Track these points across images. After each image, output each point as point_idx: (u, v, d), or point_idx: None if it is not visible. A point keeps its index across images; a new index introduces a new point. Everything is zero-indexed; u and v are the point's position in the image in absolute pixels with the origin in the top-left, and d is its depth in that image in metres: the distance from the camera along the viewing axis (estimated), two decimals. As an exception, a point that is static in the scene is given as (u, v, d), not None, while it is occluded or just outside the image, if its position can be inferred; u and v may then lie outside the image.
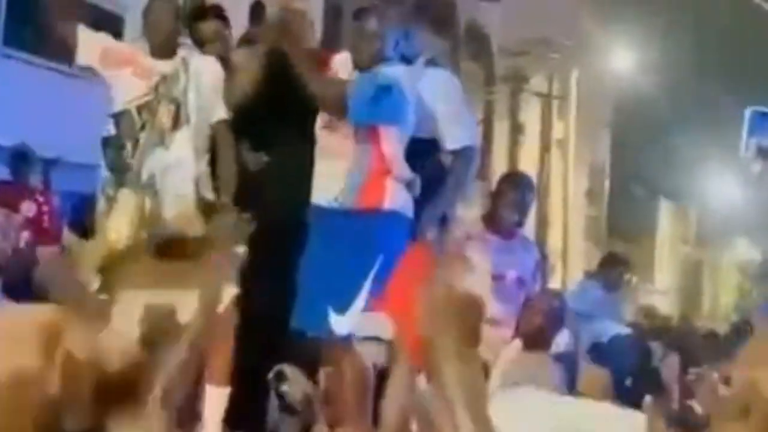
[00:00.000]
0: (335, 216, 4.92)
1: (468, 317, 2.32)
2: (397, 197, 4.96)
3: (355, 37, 5.12)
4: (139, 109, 5.15)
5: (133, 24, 11.18)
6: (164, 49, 5.22)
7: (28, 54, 10.15)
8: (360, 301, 4.83)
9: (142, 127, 5.14)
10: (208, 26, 5.53)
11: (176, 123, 5.09)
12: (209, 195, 5.08)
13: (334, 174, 4.95)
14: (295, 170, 5.16)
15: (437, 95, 5.20)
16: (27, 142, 8.62)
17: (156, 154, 5.08)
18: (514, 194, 6.03)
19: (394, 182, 4.94)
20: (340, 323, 4.81)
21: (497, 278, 5.77)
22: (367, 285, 4.86)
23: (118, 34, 10.93)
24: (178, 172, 5.03)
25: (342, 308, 4.82)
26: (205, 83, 5.14)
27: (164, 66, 5.17)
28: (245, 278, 4.98)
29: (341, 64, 5.20)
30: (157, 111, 5.10)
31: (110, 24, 11.00)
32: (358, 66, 5.05)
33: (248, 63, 5.50)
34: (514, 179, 6.58)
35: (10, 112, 9.28)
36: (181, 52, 5.22)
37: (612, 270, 9.19)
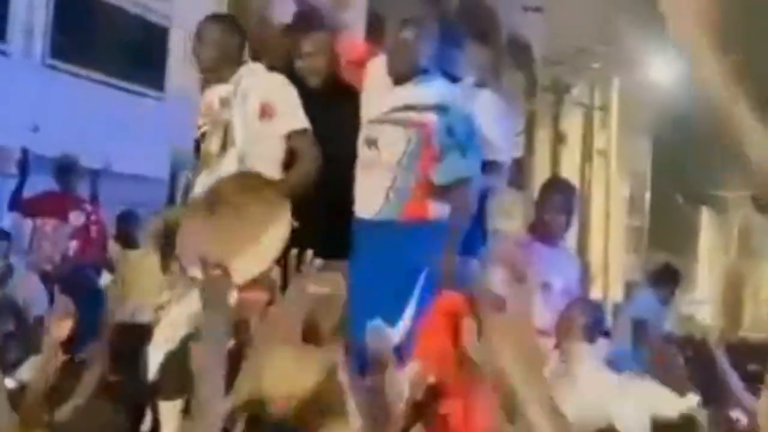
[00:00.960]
0: (379, 228, 4.93)
1: (531, 341, 2.32)
2: (440, 207, 4.97)
3: (392, 45, 5.11)
4: (201, 139, 5.14)
5: (179, 36, 11.28)
6: (222, 73, 5.16)
7: (74, 66, 10.22)
8: (409, 312, 4.84)
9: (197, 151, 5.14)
10: (310, 38, 5.41)
11: (224, 146, 5.05)
12: None
13: (375, 187, 4.94)
14: (337, 182, 5.15)
15: (488, 118, 5.22)
16: (73, 153, 8.69)
17: (202, 179, 5.07)
18: (559, 197, 6.03)
19: (437, 198, 4.95)
20: (390, 335, 4.82)
21: (544, 287, 5.77)
22: (415, 296, 4.87)
23: (163, 47, 11.05)
24: None
25: (391, 320, 4.83)
26: (251, 102, 5.05)
27: (223, 90, 5.14)
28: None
29: (376, 68, 5.17)
30: (211, 138, 5.07)
31: (156, 36, 11.08)
32: (394, 74, 5.04)
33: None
34: (556, 183, 6.59)
35: (57, 124, 9.35)
36: (241, 72, 5.15)
37: (667, 281, 9.15)
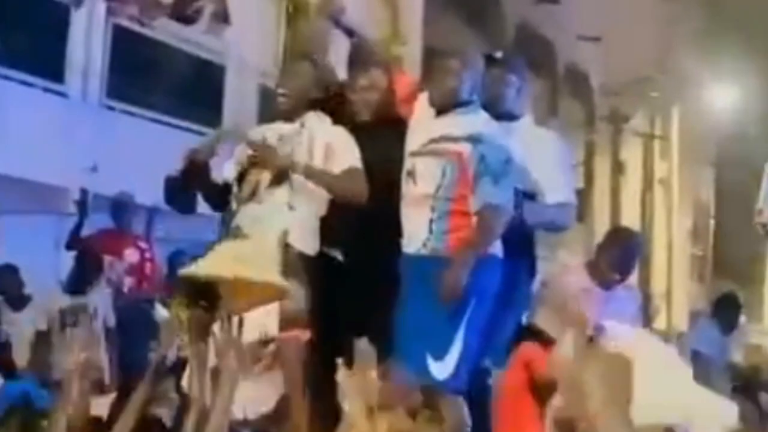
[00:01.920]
0: (424, 262, 4.89)
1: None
2: None
3: (434, 76, 5.11)
4: (248, 166, 5.16)
5: (235, 73, 11.36)
6: (292, 113, 5.24)
7: (130, 105, 10.29)
8: (457, 345, 4.81)
9: (240, 180, 5.14)
10: (367, 73, 5.44)
11: (278, 180, 5.07)
12: (301, 246, 5.03)
13: (418, 221, 4.92)
14: (385, 218, 5.12)
15: (539, 155, 5.19)
16: (129, 191, 8.74)
17: (246, 209, 5.07)
18: (619, 252, 5.90)
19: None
20: (439, 369, 4.78)
21: (597, 329, 5.68)
22: (462, 329, 4.83)
23: (220, 86, 11.12)
24: (267, 223, 4.99)
25: (439, 354, 4.80)
26: (318, 144, 5.11)
27: (284, 128, 5.19)
28: (337, 325, 4.97)
29: (422, 102, 5.18)
30: (263, 169, 5.10)
31: (212, 74, 11.16)
32: (434, 104, 5.03)
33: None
34: (621, 236, 6.40)
35: (114, 163, 9.41)
36: (308, 115, 5.22)
37: (728, 311, 8.98)
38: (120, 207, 8.77)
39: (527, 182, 5.20)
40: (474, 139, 4.90)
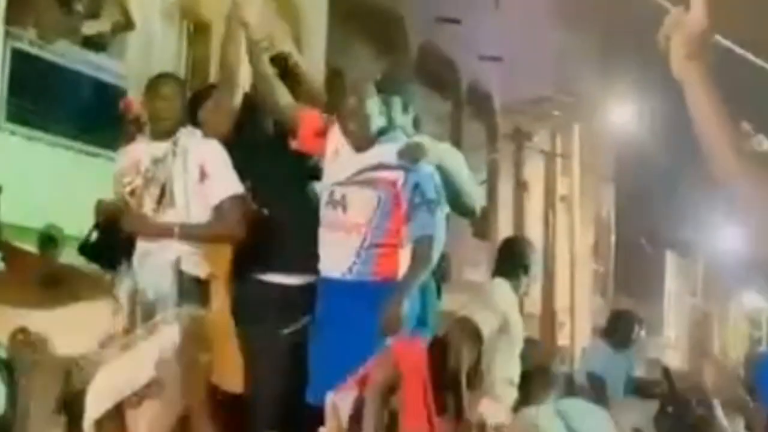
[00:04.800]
0: (349, 287, 4.87)
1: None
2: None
3: (342, 119, 5.06)
4: (129, 195, 5.07)
5: (138, 95, 11.20)
6: (164, 131, 5.14)
7: (29, 129, 10.12)
8: None
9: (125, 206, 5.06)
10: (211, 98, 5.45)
11: (160, 206, 5.00)
12: (195, 271, 4.99)
13: (345, 247, 4.90)
14: (298, 240, 5.11)
15: (453, 169, 5.24)
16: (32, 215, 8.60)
17: (138, 245, 5.02)
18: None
19: (407, 251, 4.92)
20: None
21: None
22: None
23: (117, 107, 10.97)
24: (157, 256, 4.94)
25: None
26: (191, 161, 5.02)
27: (157, 149, 5.10)
28: (250, 350, 4.94)
29: (336, 135, 5.15)
30: (143, 195, 5.01)
31: (113, 97, 11.00)
32: (353, 145, 5.01)
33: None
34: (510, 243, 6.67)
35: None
36: (179, 134, 5.13)
37: (620, 327, 9.08)
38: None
39: (463, 197, 5.28)
40: (405, 168, 4.91)
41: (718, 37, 2.31)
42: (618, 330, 9.03)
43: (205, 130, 5.17)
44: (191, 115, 5.26)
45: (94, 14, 10.17)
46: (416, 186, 4.91)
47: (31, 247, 8.25)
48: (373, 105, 5.04)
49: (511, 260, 6.20)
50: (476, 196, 5.49)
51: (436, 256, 4.91)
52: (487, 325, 5.83)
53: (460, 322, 5.81)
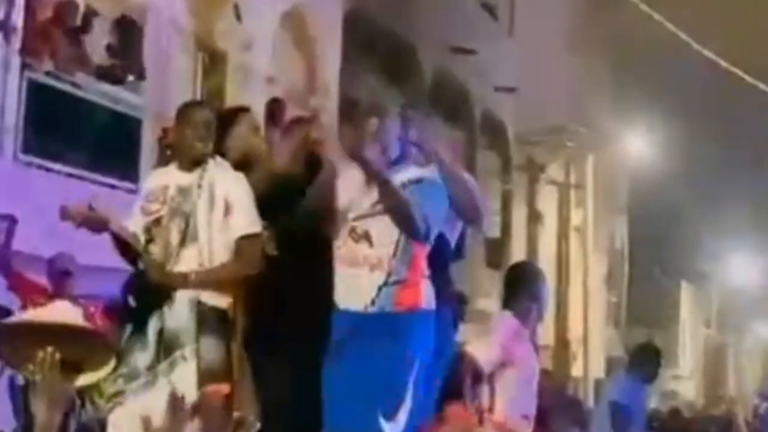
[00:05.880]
0: (370, 319, 4.83)
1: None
2: (430, 296, 4.91)
3: (356, 160, 4.99)
4: (153, 224, 5.02)
5: (152, 127, 11.29)
6: (191, 160, 5.09)
7: (45, 160, 10.17)
8: (406, 403, 4.76)
9: (149, 242, 5.01)
10: (239, 130, 5.39)
11: (184, 240, 4.96)
12: (214, 301, 4.97)
13: (368, 281, 4.85)
14: (312, 276, 5.07)
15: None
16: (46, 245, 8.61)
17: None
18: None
19: (428, 282, 4.90)
20: (391, 428, 4.72)
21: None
22: (410, 386, 4.79)
23: (137, 139, 11.05)
24: (179, 293, 4.93)
25: (391, 413, 4.73)
26: (218, 195, 5.00)
27: (184, 178, 5.06)
28: (269, 385, 4.93)
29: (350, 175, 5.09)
30: (169, 227, 4.97)
31: (129, 127, 11.09)
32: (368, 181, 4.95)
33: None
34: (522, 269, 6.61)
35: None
36: (207, 165, 5.08)
37: (647, 361, 9.01)
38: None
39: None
40: (417, 202, 4.88)
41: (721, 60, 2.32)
42: (644, 363, 8.97)
43: (231, 156, 5.15)
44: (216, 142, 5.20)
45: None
46: (424, 218, 4.89)
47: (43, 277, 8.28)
48: (394, 129, 5.00)
49: (515, 287, 6.08)
50: (431, 222, 5.38)
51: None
52: (484, 358, 5.76)
53: (461, 356, 5.76)
